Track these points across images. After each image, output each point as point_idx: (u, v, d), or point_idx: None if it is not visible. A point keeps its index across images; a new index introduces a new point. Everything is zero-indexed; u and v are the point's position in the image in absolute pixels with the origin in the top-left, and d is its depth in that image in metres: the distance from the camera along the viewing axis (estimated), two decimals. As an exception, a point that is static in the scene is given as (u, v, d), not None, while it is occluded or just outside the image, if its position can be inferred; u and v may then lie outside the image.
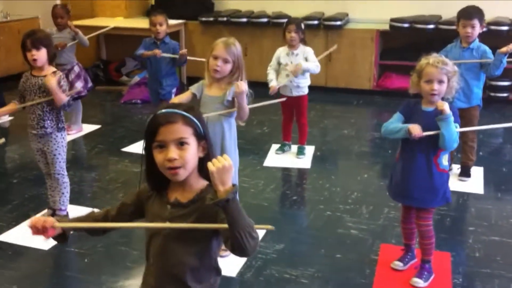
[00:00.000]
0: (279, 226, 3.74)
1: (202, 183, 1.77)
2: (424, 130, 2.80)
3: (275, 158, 4.92)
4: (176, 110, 1.71)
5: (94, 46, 7.65)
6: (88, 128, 5.73)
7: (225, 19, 7.08)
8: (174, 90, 5.09)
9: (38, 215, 3.70)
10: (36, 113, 3.43)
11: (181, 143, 1.69)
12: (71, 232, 1.89)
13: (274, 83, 4.60)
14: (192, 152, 1.71)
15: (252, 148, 5.14)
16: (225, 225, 1.58)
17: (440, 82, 2.81)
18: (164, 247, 1.75)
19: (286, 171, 4.74)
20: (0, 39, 6.82)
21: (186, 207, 1.74)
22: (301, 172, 4.74)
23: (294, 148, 5.02)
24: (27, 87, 3.45)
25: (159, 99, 5.01)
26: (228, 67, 3.11)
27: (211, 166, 1.56)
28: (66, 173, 3.65)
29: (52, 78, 3.35)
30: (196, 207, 1.72)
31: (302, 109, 4.80)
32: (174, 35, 6.57)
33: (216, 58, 3.12)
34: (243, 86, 2.98)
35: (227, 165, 1.55)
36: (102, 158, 5.04)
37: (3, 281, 3.10)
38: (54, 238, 1.80)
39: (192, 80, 6.99)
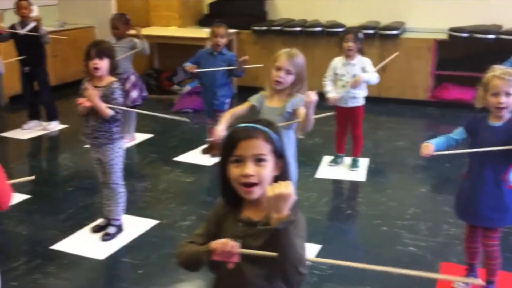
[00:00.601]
0: (334, 240, 3.65)
1: None
2: (492, 146, 2.66)
3: (328, 170, 4.82)
4: (257, 126, 1.67)
5: (147, 55, 7.73)
6: (141, 137, 5.77)
7: (278, 28, 7.04)
8: (228, 101, 5.07)
9: (96, 222, 3.74)
10: (90, 123, 3.45)
11: (259, 160, 1.64)
12: None
13: (332, 94, 4.52)
14: (269, 169, 1.66)
15: (304, 159, 5.01)
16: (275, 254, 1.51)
17: (508, 94, 2.67)
18: (237, 269, 1.69)
19: (339, 183, 4.64)
20: (57, 47, 6.97)
21: (257, 225, 1.68)
22: (355, 185, 4.63)
23: (347, 160, 4.91)
24: (85, 96, 3.46)
25: (213, 109, 5.00)
26: (290, 78, 3.06)
27: (269, 190, 1.48)
28: (122, 183, 3.65)
29: (94, 93, 3.34)
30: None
31: (358, 120, 4.69)
32: (227, 45, 6.56)
33: (278, 69, 3.06)
34: (314, 96, 2.90)
35: (286, 193, 1.46)
36: (154, 168, 5.05)
37: (58, 290, 3.12)
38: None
39: (243, 90, 6.99)
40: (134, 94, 5.28)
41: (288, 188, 1.47)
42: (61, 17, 7.96)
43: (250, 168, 1.62)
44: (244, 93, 6.77)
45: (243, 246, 1.68)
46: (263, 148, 1.64)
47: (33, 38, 5.63)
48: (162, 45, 7.55)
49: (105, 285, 3.25)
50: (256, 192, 1.65)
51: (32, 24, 5.68)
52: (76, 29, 7.77)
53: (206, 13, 7.86)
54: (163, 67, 7.90)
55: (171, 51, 7.58)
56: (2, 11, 6.89)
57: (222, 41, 4.90)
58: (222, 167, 1.71)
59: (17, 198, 4.23)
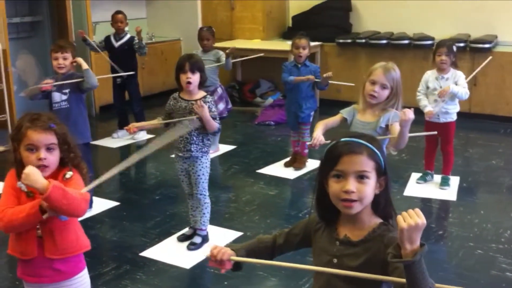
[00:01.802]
0: (425, 262, 3.48)
1: (375, 221, 1.64)
2: None
3: (416, 188, 4.65)
4: (362, 141, 1.61)
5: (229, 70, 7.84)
6: (224, 148, 5.82)
7: (363, 41, 6.93)
8: (312, 113, 5.02)
9: (181, 232, 3.79)
10: (183, 136, 3.49)
11: (361, 176, 1.58)
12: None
13: (429, 108, 4.37)
14: (371, 187, 1.59)
15: (391, 176, 4.90)
16: (401, 280, 1.44)
17: None
18: (329, 285, 1.64)
19: (428, 202, 4.46)
20: (145, 59, 7.19)
21: (356, 246, 1.62)
22: (445, 204, 4.43)
23: (437, 178, 4.72)
24: (176, 109, 3.51)
25: (298, 122, 4.96)
26: (386, 93, 2.97)
27: (402, 222, 1.39)
28: (208, 194, 3.68)
29: (203, 107, 3.37)
30: (367, 247, 1.60)
31: (449, 136, 4.50)
32: (310, 57, 6.52)
33: (373, 83, 2.98)
34: (410, 114, 2.80)
35: (420, 223, 1.38)
36: (238, 179, 5.07)
37: (147, 297, 3.16)
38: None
39: (325, 103, 6.91)
40: (221, 106, 5.34)
41: (421, 218, 1.39)
42: (150, 30, 8.22)
43: (351, 185, 1.57)
44: (326, 106, 6.73)
45: (339, 266, 1.62)
46: (367, 164, 1.59)
47: (127, 50, 5.83)
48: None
49: (191, 295, 3.27)
50: (356, 208, 1.60)
51: (127, 37, 5.88)
52: (163, 41, 8.00)
53: (290, 26, 7.86)
54: (245, 79, 7.97)
55: (254, 64, 7.61)
56: (95, 23, 7.22)
57: (304, 52, 4.86)
58: (320, 180, 1.66)
59: (108, 204, 4.37)
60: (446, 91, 4.24)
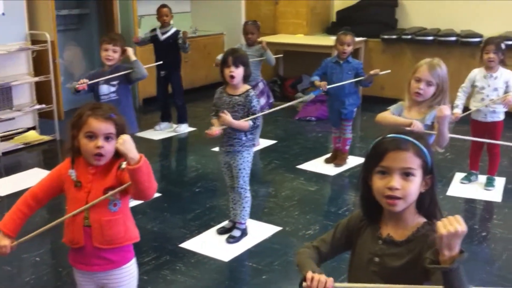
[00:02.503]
0: (466, 263, 3.41)
1: (418, 221, 1.62)
2: None
3: (460, 188, 4.55)
4: (408, 138, 1.58)
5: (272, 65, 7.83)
6: (265, 143, 5.82)
7: (409, 37, 6.82)
8: (355, 110, 4.97)
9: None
10: (226, 130, 3.51)
11: (406, 174, 1.56)
12: None
13: (458, 110, 4.26)
14: (416, 185, 1.57)
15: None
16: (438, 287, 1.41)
17: None
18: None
19: (472, 203, 4.36)
20: (188, 53, 7.23)
21: (399, 246, 1.60)
22: (490, 205, 4.32)
23: (481, 178, 4.61)
24: (220, 104, 3.54)
25: (341, 118, 4.92)
26: (431, 90, 2.91)
27: (441, 228, 1.36)
28: (248, 188, 3.69)
29: (228, 118, 3.37)
30: (411, 247, 1.57)
31: (496, 136, 4.38)
32: (353, 53, 6.46)
33: (419, 80, 2.93)
34: (446, 111, 2.76)
35: (460, 231, 1.35)
36: (277, 174, 5.07)
37: (186, 288, 3.20)
38: None
39: (368, 99, 6.83)
40: (262, 101, 5.34)
41: (462, 225, 1.36)
42: (194, 24, 8.28)
43: (396, 181, 1.55)
44: (369, 103, 6.65)
45: (381, 265, 1.61)
46: (413, 161, 1.56)
47: (172, 44, 5.90)
48: (287, 53, 7.59)
49: (228, 287, 3.28)
50: (400, 205, 1.57)
51: (172, 30, 5.95)
52: (206, 35, 8.04)
53: (334, 21, 7.79)
54: (287, 74, 7.95)
55: (297, 59, 7.61)
56: (140, 17, 7.32)
57: (348, 49, 4.81)
58: (364, 176, 1.64)
59: (149, 195, 4.43)
60: (510, 100, 4.12)
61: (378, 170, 1.58)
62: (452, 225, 1.35)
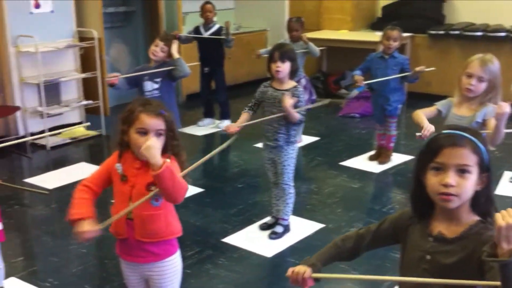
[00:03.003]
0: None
1: (472, 218, 1.57)
2: None
3: (509, 187, 4.42)
4: (464, 134, 1.54)
5: (316, 58, 7.77)
6: (307, 139, 5.79)
7: (457, 32, 6.66)
8: (400, 106, 4.89)
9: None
10: (272, 125, 3.50)
11: (462, 171, 1.51)
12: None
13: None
14: (472, 182, 1.52)
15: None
16: (495, 283, 1.36)
17: None
18: (422, 285, 1.58)
19: (522, 202, 4.23)
20: (231, 50, 7.25)
21: (451, 243, 1.55)
22: (541, 205, 4.17)
23: (532, 177, 4.46)
24: (266, 98, 3.53)
25: (385, 115, 4.85)
26: (483, 86, 2.84)
27: (500, 220, 1.32)
28: (292, 184, 3.67)
29: (289, 99, 3.37)
30: (463, 244, 1.53)
31: (548, 134, 4.22)
32: (399, 48, 6.35)
33: (470, 76, 2.86)
34: (506, 107, 2.68)
35: None
36: (320, 171, 5.03)
37: (229, 283, 3.21)
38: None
39: (414, 96, 6.70)
40: (304, 97, 5.29)
41: None
42: (237, 20, 8.30)
43: (451, 178, 1.50)
44: (414, 100, 6.51)
45: (432, 263, 1.57)
46: (469, 158, 1.51)
47: (215, 40, 5.93)
48: (331, 48, 7.53)
49: (271, 283, 3.28)
50: (455, 202, 1.53)
51: (215, 27, 5.98)
52: (250, 32, 8.05)
53: (379, 16, 7.68)
54: (331, 70, 7.87)
55: (340, 55, 7.53)
56: (185, 14, 7.38)
57: (395, 44, 4.72)
58: (417, 172, 1.60)
59: (192, 190, 4.46)
60: None
61: (432, 166, 1.54)
62: (511, 216, 1.31)
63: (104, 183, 2.20)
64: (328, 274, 1.73)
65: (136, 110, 2.10)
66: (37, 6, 5.62)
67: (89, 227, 2.03)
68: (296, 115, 3.42)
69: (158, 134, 2.08)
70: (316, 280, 1.71)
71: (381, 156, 5.02)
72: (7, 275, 3.09)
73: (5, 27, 5.38)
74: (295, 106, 3.41)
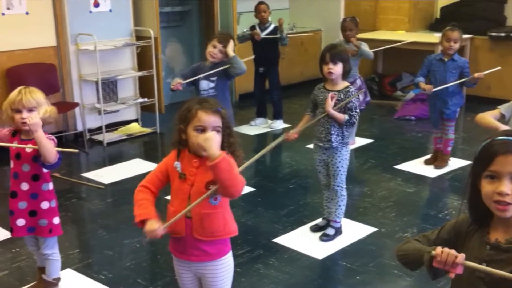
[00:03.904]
0: None
1: None
2: None
3: None
4: None
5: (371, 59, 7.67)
6: (361, 141, 5.71)
7: (519, 35, 6.42)
8: (458, 110, 4.75)
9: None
10: (324, 126, 3.47)
11: None
12: None
13: None
14: None
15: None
16: None
17: None
18: (474, 285, 1.53)
19: None
20: (284, 50, 7.23)
21: (507, 251, 1.49)
22: None
23: None
24: (319, 101, 3.50)
25: (442, 118, 4.72)
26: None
27: None
28: (345, 186, 3.62)
29: (328, 102, 3.35)
30: None
31: None
32: (459, 51, 6.17)
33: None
34: None
35: None
36: (374, 174, 4.94)
37: (279, 283, 3.19)
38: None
39: (472, 99, 6.50)
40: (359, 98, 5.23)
41: None
42: (292, 20, 8.27)
43: (506, 187, 1.45)
44: (473, 103, 6.31)
45: (487, 272, 1.50)
46: None
47: (271, 40, 5.92)
48: (387, 50, 7.41)
49: (321, 285, 3.24)
50: (511, 211, 1.47)
51: (271, 27, 5.97)
52: (304, 32, 8.00)
53: (437, 17, 7.49)
54: (386, 71, 7.74)
55: (396, 56, 7.38)
56: (239, 14, 7.41)
57: (455, 46, 4.58)
58: (473, 180, 1.54)
59: (244, 189, 4.45)
60: None
61: (486, 174, 1.49)
62: None
63: (161, 184, 2.22)
64: (477, 265, 1.51)
65: (194, 108, 2.11)
66: (97, 5, 5.77)
67: (158, 226, 2.06)
68: (340, 116, 3.38)
69: (215, 131, 2.09)
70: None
71: (437, 160, 4.89)
72: (63, 266, 3.17)
73: (66, 25, 5.55)
74: (344, 106, 3.37)
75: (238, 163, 2.13)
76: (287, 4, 8.42)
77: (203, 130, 2.09)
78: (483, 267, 1.47)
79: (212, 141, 1.98)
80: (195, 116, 2.10)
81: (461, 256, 1.46)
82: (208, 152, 1.98)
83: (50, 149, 2.62)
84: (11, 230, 2.88)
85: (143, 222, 2.08)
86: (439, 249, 1.48)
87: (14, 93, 2.73)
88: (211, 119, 2.09)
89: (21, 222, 2.82)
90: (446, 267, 1.47)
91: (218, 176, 1.97)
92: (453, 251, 1.47)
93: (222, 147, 2.11)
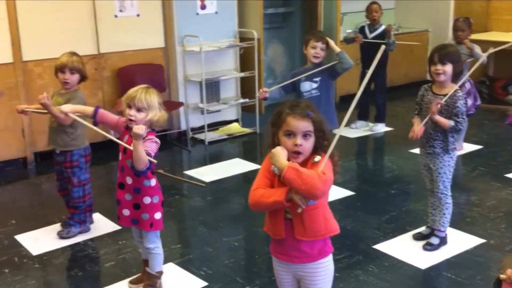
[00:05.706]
0: None
1: None
2: None
3: None
4: None
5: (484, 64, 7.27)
6: (469, 147, 5.43)
7: None
8: None
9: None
10: (427, 131, 3.33)
11: None
12: None
13: None
14: None
15: None
16: None
17: None
18: None
19: None
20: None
21: None
22: None
23: None
24: (424, 103, 3.36)
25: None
26: None
27: None
28: (450, 193, 3.44)
29: (434, 106, 3.21)
30: None
31: None
32: None
33: None
34: None
35: None
36: (482, 182, 4.67)
37: (377, 292, 3.10)
38: None
39: None
40: (468, 102, 4.96)
41: None
42: (397, 20, 8.04)
43: None
44: None
45: None
46: None
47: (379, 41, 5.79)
48: (499, 52, 6.98)
49: (423, 297, 3.10)
50: None
51: (381, 28, 5.83)
52: (410, 33, 7.75)
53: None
54: (498, 74, 7.31)
55: (509, 58, 6.95)
56: (343, 14, 7.30)
57: None
58: None
59: (343, 193, 4.40)
60: None
61: None
62: None
63: (270, 183, 2.20)
64: None
65: (284, 112, 2.12)
66: (203, 7, 5.91)
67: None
68: (445, 122, 3.22)
69: (305, 135, 2.08)
70: None
71: (554, 170, 4.54)
72: (166, 260, 3.26)
73: (174, 27, 5.73)
74: (449, 110, 3.22)
75: (334, 165, 2.10)
76: (392, 4, 8.19)
77: (292, 135, 2.09)
78: None
79: (275, 156, 2.03)
80: (284, 121, 2.10)
81: None
82: (276, 167, 2.04)
83: (142, 157, 2.68)
84: (118, 218, 3.02)
85: (287, 200, 2.05)
86: (509, 271, 1.42)
87: (133, 89, 2.85)
88: (300, 124, 2.08)
89: (126, 212, 2.96)
90: None
91: (292, 186, 2.00)
92: None
93: (317, 150, 2.10)
